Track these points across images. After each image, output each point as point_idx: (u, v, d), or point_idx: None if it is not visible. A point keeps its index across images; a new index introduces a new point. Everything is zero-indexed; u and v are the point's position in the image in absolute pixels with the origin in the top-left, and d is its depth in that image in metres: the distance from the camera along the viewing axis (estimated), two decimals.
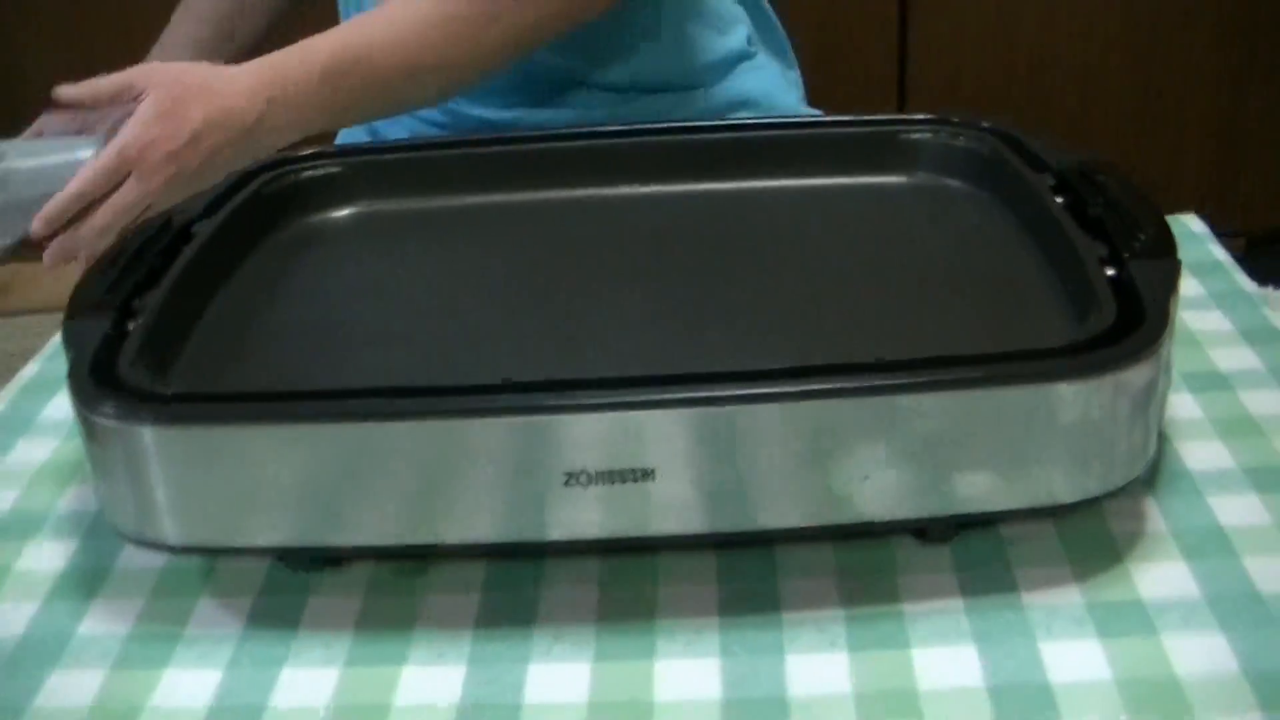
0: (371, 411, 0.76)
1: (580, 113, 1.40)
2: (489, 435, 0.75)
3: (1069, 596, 0.79)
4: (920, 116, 1.08)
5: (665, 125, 1.12)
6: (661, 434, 0.75)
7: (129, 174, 1.10)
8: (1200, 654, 0.75)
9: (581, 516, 0.77)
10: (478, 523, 0.78)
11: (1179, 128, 2.80)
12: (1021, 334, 0.86)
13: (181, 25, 1.49)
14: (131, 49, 1.37)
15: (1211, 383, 0.98)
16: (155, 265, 0.92)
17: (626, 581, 0.83)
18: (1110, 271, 0.84)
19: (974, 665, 0.75)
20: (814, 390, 0.74)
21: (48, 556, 0.90)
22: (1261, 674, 0.73)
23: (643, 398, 0.75)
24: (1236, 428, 0.92)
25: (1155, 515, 0.85)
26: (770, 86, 1.49)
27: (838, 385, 0.75)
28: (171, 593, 0.86)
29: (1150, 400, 0.78)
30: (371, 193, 1.09)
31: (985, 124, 1.05)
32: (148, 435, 0.77)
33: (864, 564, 0.83)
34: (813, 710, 0.74)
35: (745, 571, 0.83)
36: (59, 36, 3.11)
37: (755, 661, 0.77)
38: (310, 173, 1.08)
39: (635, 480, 0.75)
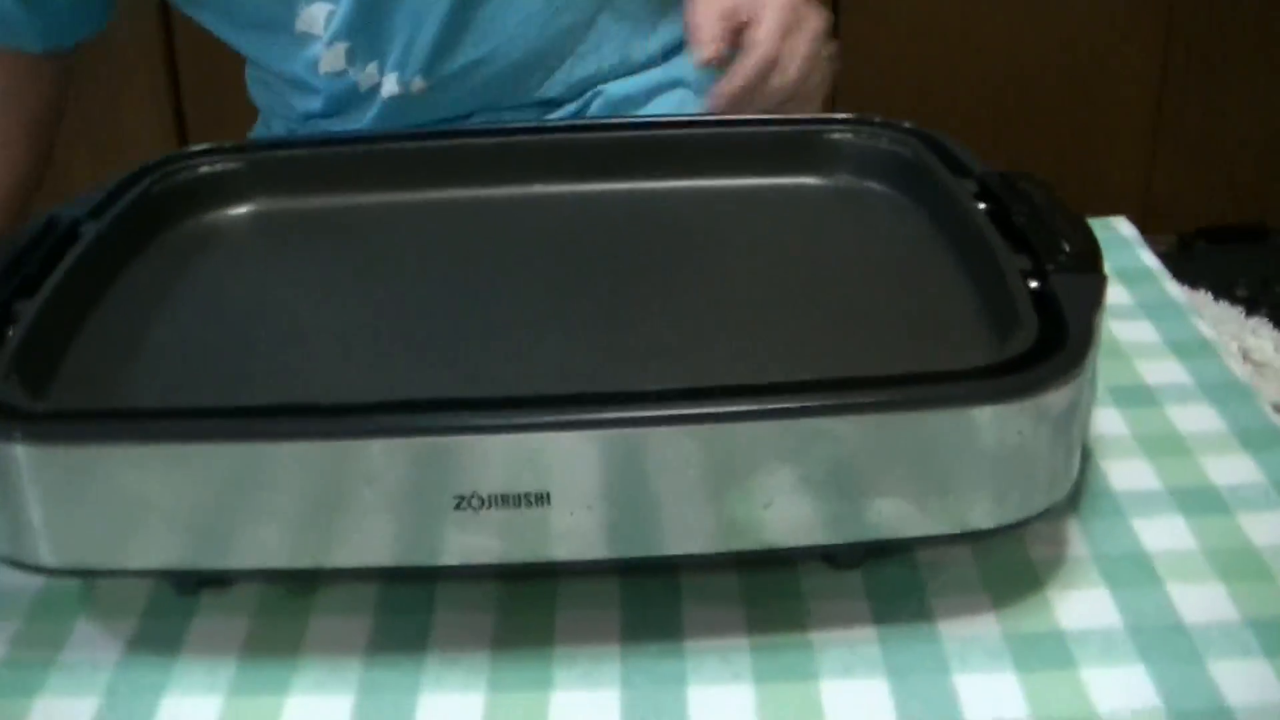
0: (254, 431, 0.73)
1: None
2: (377, 457, 0.71)
3: (986, 626, 0.76)
4: (841, 116, 1.04)
5: (578, 122, 1.09)
6: (556, 457, 0.71)
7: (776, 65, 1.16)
8: (1120, 688, 0.72)
9: (473, 542, 0.73)
10: (367, 547, 0.74)
11: (1108, 125, 2.79)
12: (939, 349, 0.83)
13: None
14: None
15: (1138, 397, 0.95)
16: (36, 270, 0.87)
17: (524, 606, 0.79)
18: (1033, 284, 0.80)
19: (885, 699, 0.72)
20: (715, 414, 0.71)
21: None
22: (1183, 711, 0.71)
23: (536, 419, 0.71)
24: (1162, 445, 0.90)
25: (1077, 539, 0.82)
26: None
27: (741, 408, 0.71)
28: (48, 615, 0.82)
29: (1073, 423, 0.75)
30: (270, 189, 1.04)
31: (908, 125, 1.02)
32: (19, 453, 0.73)
33: (771, 590, 0.80)
34: None
35: (648, 598, 0.79)
36: None
37: (656, 692, 0.73)
38: (206, 168, 1.04)
39: (530, 505, 0.72)
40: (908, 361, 0.77)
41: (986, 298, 0.84)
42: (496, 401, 0.73)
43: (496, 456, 0.71)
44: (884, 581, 0.80)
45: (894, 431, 0.71)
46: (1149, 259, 1.13)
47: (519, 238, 1.00)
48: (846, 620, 0.77)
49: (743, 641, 0.76)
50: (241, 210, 1.04)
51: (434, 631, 0.78)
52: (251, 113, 1.53)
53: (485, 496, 0.72)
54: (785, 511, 0.72)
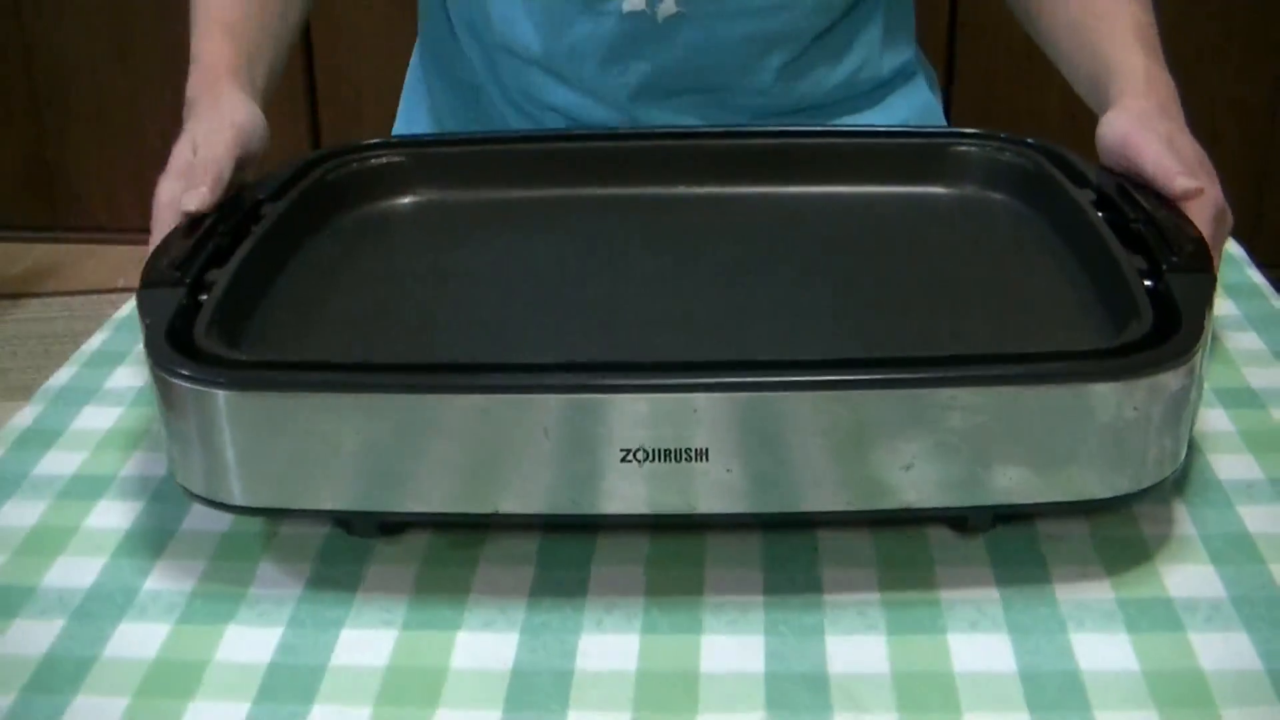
0: (435, 384, 0.80)
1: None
2: (556, 411, 0.78)
3: (1100, 592, 0.83)
4: (969, 131, 1.11)
5: (722, 129, 1.15)
6: (718, 416, 0.78)
7: None
8: (1224, 650, 0.78)
9: (635, 492, 0.80)
10: (539, 494, 0.81)
11: (1218, 156, 2.82)
12: (1062, 334, 0.90)
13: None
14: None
15: (1243, 399, 1.01)
16: (225, 242, 0.95)
17: (675, 562, 0.86)
18: (1148, 283, 0.86)
19: (1007, 652, 0.79)
20: (865, 380, 0.78)
21: (114, 517, 0.93)
22: None
23: (701, 380, 0.78)
24: (1266, 442, 0.96)
25: (1185, 520, 0.88)
26: (923, 113, 1.41)
27: (887, 376, 0.78)
28: (234, 555, 0.89)
29: (1183, 405, 0.81)
30: (432, 183, 1.12)
31: (1031, 141, 1.09)
32: (220, 398, 0.80)
33: (902, 553, 0.86)
34: (852, 687, 0.77)
35: (789, 557, 0.86)
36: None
37: (798, 640, 0.80)
38: (374, 161, 1.12)
39: (689, 460, 0.78)
40: (1033, 345, 0.83)
41: (1105, 292, 0.90)
42: (662, 365, 0.79)
43: (664, 415, 0.78)
44: (1006, 549, 0.86)
45: (1023, 403, 0.78)
46: (1256, 276, 1.19)
47: (660, 234, 1.07)
48: (972, 583, 0.84)
49: (876, 597, 0.83)
50: (405, 200, 1.12)
51: (591, 581, 0.85)
52: (379, 113, 1.55)
53: (650, 450, 0.78)
54: (920, 474, 0.79)
